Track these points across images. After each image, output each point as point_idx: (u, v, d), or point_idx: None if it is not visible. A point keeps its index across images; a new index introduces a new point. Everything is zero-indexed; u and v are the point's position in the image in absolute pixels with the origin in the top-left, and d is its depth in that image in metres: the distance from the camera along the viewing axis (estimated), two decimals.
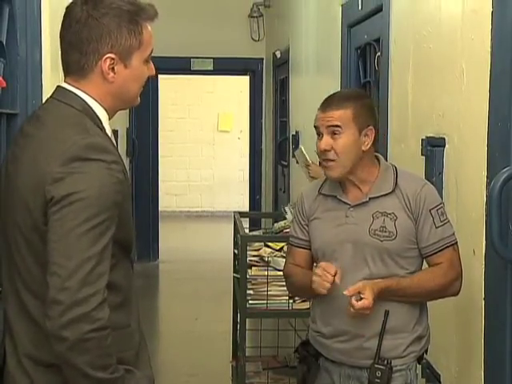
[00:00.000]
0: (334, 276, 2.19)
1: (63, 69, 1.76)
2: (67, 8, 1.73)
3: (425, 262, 2.33)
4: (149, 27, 1.76)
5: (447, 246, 2.26)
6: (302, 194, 2.48)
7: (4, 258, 1.76)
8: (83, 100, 1.71)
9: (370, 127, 2.32)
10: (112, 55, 1.69)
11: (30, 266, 1.67)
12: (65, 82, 1.75)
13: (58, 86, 1.76)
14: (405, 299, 2.25)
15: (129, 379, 1.67)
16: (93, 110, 1.71)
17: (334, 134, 2.28)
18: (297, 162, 4.40)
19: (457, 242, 2.28)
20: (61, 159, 1.59)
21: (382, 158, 2.40)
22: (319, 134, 2.33)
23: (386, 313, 2.22)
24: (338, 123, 2.27)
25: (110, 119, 1.77)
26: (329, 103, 2.36)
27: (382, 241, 2.25)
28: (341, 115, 2.28)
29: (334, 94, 2.43)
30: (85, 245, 1.55)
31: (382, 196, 2.29)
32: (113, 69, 1.71)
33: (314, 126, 2.35)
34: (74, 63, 1.71)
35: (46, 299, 1.57)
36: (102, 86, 1.72)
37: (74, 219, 1.56)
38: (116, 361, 1.62)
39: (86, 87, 1.72)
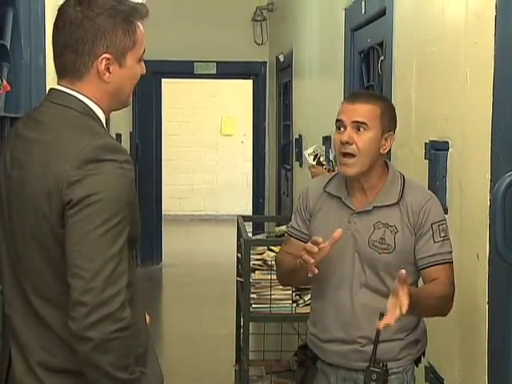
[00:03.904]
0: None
1: (56, 71, 1.75)
2: (60, 9, 1.72)
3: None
4: (141, 26, 1.76)
5: (444, 263, 2.22)
6: (307, 188, 2.44)
7: (7, 265, 1.74)
8: (82, 102, 1.70)
9: (391, 133, 2.31)
10: (108, 55, 1.69)
11: (42, 271, 1.66)
12: (59, 84, 1.74)
13: (53, 89, 1.75)
14: (413, 312, 2.17)
15: (144, 381, 1.67)
16: (93, 111, 1.71)
17: (358, 129, 2.25)
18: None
19: (452, 262, 2.25)
20: (75, 162, 1.59)
21: (391, 165, 2.38)
22: (340, 128, 2.27)
23: (381, 315, 2.21)
24: (365, 121, 2.24)
25: (106, 118, 1.77)
26: (358, 96, 2.36)
27: (379, 253, 2.24)
28: (369, 110, 2.25)
29: (359, 90, 2.42)
30: (105, 245, 1.56)
31: (385, 206, 2.27)
32: (108, 69, 1.70)
33: (337, 120, 2.29)
34: (69, 64, 1.70)
35: (58, 303, 1.58)
36: (98, 86, 1.71)
37: (93, 221, 1.56)
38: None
39: (83, 88, 1.71)
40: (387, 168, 2.35)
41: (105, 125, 1.75)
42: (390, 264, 2.23)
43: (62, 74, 1.74)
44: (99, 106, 1.73)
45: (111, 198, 1.58)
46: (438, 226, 2.24)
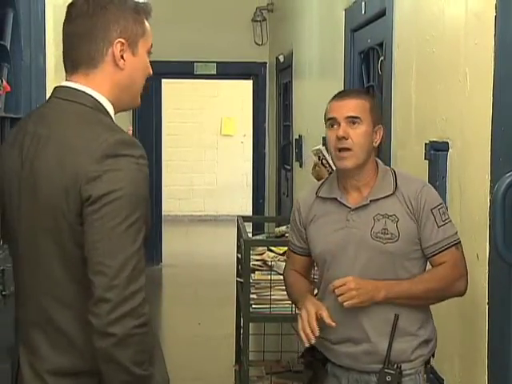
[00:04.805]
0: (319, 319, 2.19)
1: (68, 65, 1.74)
2: (69, 5, 1.74)
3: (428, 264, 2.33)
4: (147, 23, 1.78)
5: (450, 246, 2.25)
6: (297, 201, 2.46)
7: (20, 267, 1.74)
8: (92, 97, 1.70)
9: (380, 126, 2.35)
10: (122, 40, 1.70)
11: (54, 270, 1.65)
12: (69, 80, 1.73)
13: (59, 86, 1.74)
14: (408, 301, 2.24)
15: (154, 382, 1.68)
16: (104, 107, 1.71)
17: (352, 124, 2.28)
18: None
19: (460, 242, 2.27)
20: (94, 157, 1.58)
21: (379, 161, 2.41)
22: (333, 125, 2.30)
23: (396, 317, 2.22)
24: (358, 114, 2.28)
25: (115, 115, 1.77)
26: (345, 93, 2.41)
27: (384, 243, 2.24)
28: (359, 105, 2.30)
29: (344, 89, 2.45)
30: (127, 242, 1.56)
31: (382, 198, 2.28)
32: (122, 56, 1.71)
33: (329, 118, 2.31)
34: (84, 54, 1.71)
35: (69, 303, 1.61)
36: (112, 75, 1.71)
37: (114, 218, 1.56)
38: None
39: (96, 80, 1.71)
40: (377, 165, 2.37)
41: (114, 120, 1.74)
42: (396, 253, 2.24)
43: (74, 66, 1.73)
44: (109, 100, 1.72)
45: (130, 194, 1.58)
46: (438, 209, 2.26)
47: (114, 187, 1.56)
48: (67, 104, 1.70)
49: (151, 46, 1.79)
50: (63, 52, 1.75)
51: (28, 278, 1.71)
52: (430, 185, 2.38)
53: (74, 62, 1.73)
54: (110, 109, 1.73)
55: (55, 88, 1.76)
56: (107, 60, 1.71)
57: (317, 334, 2.18)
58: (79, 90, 1.70)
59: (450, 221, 2.28)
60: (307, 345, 2.21)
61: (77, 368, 1.65)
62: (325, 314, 2.18)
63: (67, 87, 1.72)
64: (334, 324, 2.17)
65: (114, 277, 1.54)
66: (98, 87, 1.71)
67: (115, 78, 1.72)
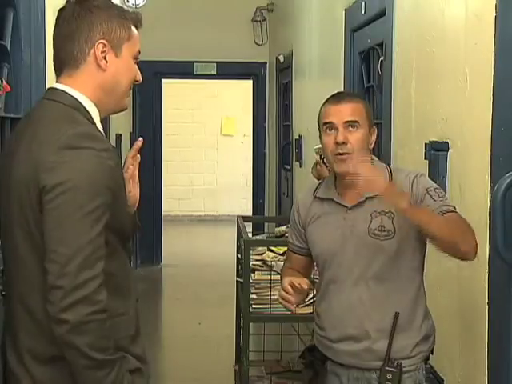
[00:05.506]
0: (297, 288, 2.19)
1: (55, 67, 1.80)
2: (59, 10, 1.80)
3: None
4: (135, 29, 1.82)
5: (450, 212, 2.18)
6: (296, 202, 2.47)
7: (6, 262, 1.79)
8: (72, 96, 1.75)
9: (374, 127, 2.35)
10: (104, 41, 1.75)
11: (25, 257, 1.70)
12: (57, 82, 1.79)
13: (49, 88, 1.81)
14: (425, 225, 2.12)
15: (125, 363, 1.71)
16: (82, 106, 1.75)
17: (350, 127, 2.27)
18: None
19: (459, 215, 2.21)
20: (52, 148, 1.64)
21: (375, 158, 2.41)
22: (331, 129, 2.29)
23: (396, 315, 2.22)
24: (356, 118, 2.27)
25: (101, 118, 1.80)
26: (341, 97, 2.37)
27: (381, 240, 2.24)
28: (356, 109, 2.29)
29: (337, 92, 2.44)
30: (81, 231, 1.60)
31: (378, 195, 2.28)
32: (105, 58, 1.76)
33: (325, 123, 2.31)
34: (68, 55, 1.76)
35: (40, 290, 1.63)
36: (95, 75, 1.76)
37: (68, 207, 1.60)
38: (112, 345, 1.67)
39: (78, 80, 1.75)
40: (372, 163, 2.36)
41: (98, 122, 1.77)
42: (394, 249, 2.23)
43: (60, 67, 1.78)
44: (92, 101, 1.76)
45: (85, 185, 1.61)
46: (434, 189, 2.24)
47: (66, 178, 1.61)
48: (48, 104, 1.76)
49: (139, 52, 1.83)
50: (53, 55, 1.80)
51: (8, 265, 1.77)
52: (423, 174, 2.35)
53: (60, 64, 1.79)
54: (92, 109, 1.77)
55: (47, 89, 1.83)
56: (89, 61, 1.76)
57: (290, 291, 2.19)
58: (61, 90, 1.76)
59: (447, 199, 2.26)
60: (292, 308, 2.22)
61: (50, 353, 1.69)
62: (296, 280, 2.19)
63: (54, 88, 1.78)
64: (306, 287, 2.18)
65: (65, 264, 1.58)
66: (80, 87, 1.75)
67: (98, 78, 1.76)
